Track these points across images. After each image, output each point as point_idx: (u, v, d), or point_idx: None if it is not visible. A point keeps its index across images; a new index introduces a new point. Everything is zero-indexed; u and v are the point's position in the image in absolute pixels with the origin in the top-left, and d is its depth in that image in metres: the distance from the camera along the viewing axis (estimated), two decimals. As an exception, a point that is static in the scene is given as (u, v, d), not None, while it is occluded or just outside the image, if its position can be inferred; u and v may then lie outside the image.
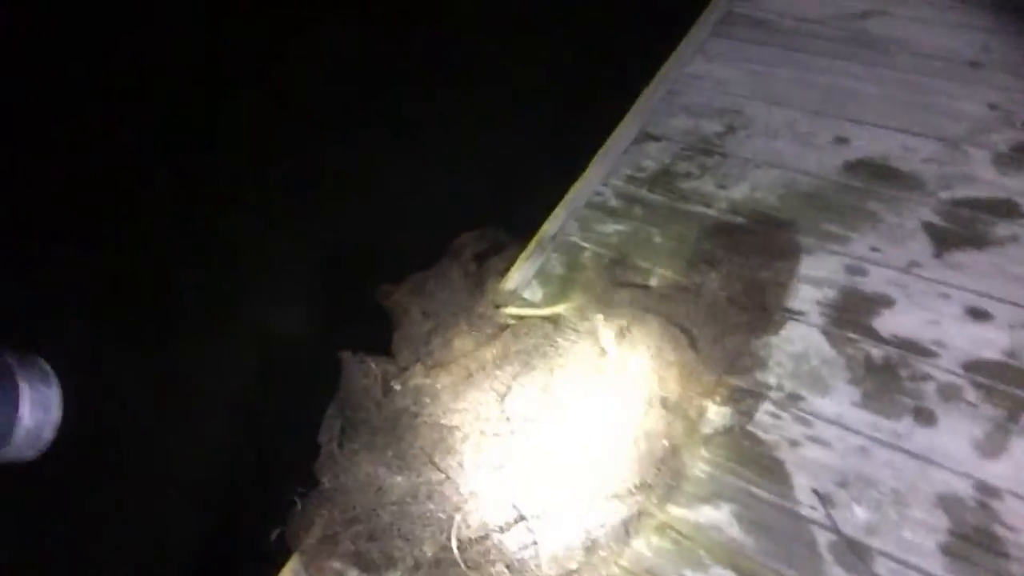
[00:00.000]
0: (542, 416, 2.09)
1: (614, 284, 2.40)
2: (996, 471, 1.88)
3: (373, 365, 2.32)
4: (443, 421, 2.12)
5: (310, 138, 3.67)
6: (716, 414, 2.08)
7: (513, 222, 2.92)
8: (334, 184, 3.56)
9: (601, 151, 2.86)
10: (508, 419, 2.10)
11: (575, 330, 2.24)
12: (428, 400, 2.17)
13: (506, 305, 2.44)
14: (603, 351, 2.15)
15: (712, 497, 1.95)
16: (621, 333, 2.18)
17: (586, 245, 2.61)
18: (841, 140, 2.66)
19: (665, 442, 2.01)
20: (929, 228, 2.38)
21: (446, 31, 4.03)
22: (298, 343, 3.02)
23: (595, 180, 2.77)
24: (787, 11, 3.13)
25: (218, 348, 3.06)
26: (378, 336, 2.50)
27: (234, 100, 3.91)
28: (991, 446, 1.92)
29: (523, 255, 2.63)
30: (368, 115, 3.71)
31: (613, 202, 2.71)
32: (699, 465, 2.00)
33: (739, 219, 2.53)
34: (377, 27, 4.15)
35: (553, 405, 2.11)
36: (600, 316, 2.20)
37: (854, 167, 2.58)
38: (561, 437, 2.05)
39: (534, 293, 2.53)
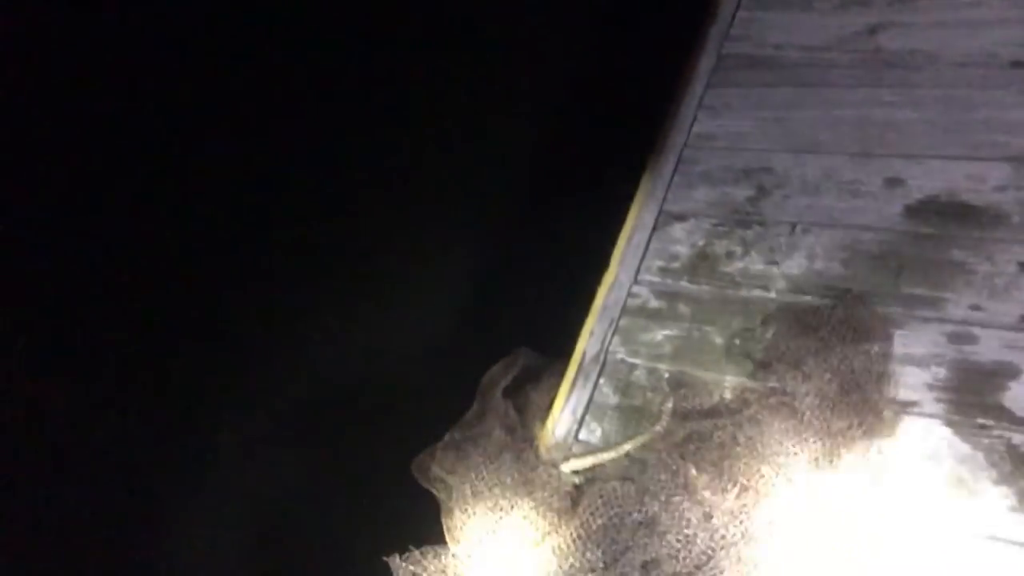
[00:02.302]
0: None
1: (683, 413, 2.04)
2: None
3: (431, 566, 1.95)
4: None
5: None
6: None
7: (529, 334, 2.60)
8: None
9: (620, 243, 2.50)
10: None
11: (662, 483, 1.87)
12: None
13: (565, 460, 2.07)
14: (708, 514, 1.77)
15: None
16: (722, 481, 1.82)
17: (636, 361, 2.25)
18: (894, 181, 2.31)
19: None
20: (1032, 270, 2.04)
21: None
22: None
23: (624, 280, 2.41)
24: (786, 41, 2.78)
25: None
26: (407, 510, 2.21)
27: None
28: None
29: (564, 385, 2.27)
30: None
31: (653, 303, 2.35)
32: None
33: (805, 298, 2.18)
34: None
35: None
36: (695, 473, 1.83)
37: (919, 211, 2.23)
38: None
39: (591, 432, 2.17)
